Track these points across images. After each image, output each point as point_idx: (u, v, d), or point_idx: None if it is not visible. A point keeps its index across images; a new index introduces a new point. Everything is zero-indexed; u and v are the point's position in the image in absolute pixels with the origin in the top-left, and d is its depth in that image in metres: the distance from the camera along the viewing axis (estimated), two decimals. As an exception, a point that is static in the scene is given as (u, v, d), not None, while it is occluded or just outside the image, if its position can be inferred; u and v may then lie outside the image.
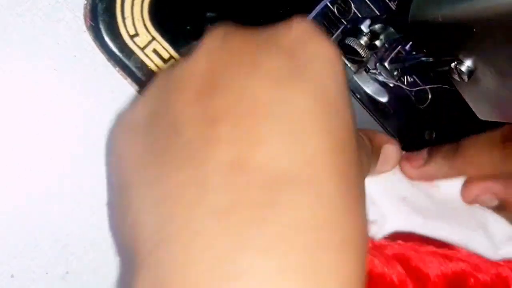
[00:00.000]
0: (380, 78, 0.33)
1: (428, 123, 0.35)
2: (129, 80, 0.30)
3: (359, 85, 0.33)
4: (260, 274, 0.16)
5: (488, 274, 0.28)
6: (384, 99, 0.33)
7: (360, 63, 0.32)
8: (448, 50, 0.24)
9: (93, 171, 0.30)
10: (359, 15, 0.33)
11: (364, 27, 0.31)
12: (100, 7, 0.29)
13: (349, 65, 0.32)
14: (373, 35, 0.31)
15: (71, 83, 0.30)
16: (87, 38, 0.30)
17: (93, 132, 0.30)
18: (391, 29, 0.29)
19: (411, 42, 0.32)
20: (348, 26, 0.32)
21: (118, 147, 0.23)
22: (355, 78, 0.33)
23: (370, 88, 0.33)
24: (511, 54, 0.21)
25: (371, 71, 0.33)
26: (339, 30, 0.33)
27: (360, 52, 0.30)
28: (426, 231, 0.30)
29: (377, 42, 0.31)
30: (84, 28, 0.30)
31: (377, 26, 0.30)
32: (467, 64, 0.24)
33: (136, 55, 0.30)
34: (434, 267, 0.28)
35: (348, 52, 0.31)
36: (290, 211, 0.17)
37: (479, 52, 0.23)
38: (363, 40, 0.31)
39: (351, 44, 0.30)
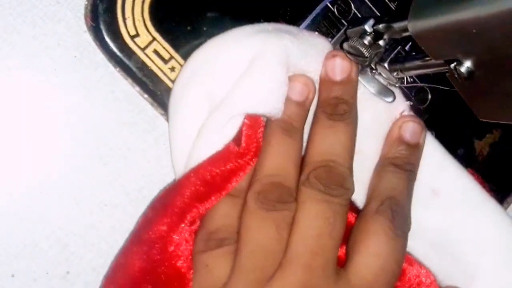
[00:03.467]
0: (381, 79, 0.33)
1: (428, 123, 0.35)
2: (129, 80, 0.30)
3: (363, 85, 0.32)
4: None
5: None
6: (389, 99, 0.32)
7: (363, 63, 0.31)
8: (448, 51, 0.24)
9: (93, 171, 0.30)
10: (359, 15, 0.33)
11: (368, 27, 0.30)
12: (100, 7, 0.29)
13: None
14: (377, 35, 0.30)
15: (71, 83, 0.30)
16: (88, 38, 0.30)
17: (93, 132, 0.30)
18: (395, 28, 0.29)
19: (410, 42, 0.32)
20: (350, 27, 0.32)
21: None
22: (359, 78, 0.32)
23: (375, 88, 0.32)
24: (510, 55, 0.21)
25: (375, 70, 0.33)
26: (341, 31, 0.32)
27: (364, 52, 0.30)
28: None
29: (381, 42, 0.30)
30: (84, 28, 0.30)
31: (381, 26, 0.30)
32: (467, 64, 0.24)
33: (137, 55, 0.30)
34: None
35: (352, 52, 0.31)
36: None
37: (478, 53, 0.23)
38: (367, 39, 0.30)
39: (354, 44, 0.30)
